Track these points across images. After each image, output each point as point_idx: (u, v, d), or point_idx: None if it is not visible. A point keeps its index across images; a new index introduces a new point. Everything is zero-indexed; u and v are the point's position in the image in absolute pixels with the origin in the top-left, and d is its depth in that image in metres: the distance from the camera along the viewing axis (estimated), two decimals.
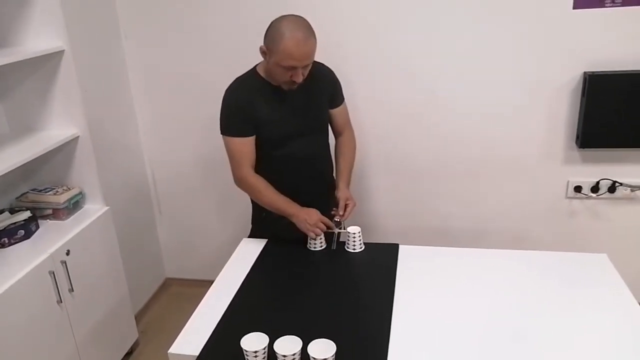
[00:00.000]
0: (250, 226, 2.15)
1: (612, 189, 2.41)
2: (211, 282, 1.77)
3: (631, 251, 2.49)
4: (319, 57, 1.84)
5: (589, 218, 2.50)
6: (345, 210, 1.94)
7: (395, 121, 2.50)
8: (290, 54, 1.69)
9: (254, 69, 1.91)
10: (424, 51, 2.36)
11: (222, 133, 1.90)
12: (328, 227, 1.89)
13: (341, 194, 1.98)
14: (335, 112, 2.04)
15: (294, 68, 1.73)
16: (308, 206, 1.92)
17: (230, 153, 1.91)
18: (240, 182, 1.93)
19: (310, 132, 1.96)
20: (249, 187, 1.93)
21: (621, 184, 2.39)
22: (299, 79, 1.76)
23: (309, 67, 1.79)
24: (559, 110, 2.34)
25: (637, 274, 2.21)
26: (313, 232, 1.87)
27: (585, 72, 2.25)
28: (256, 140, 1.89)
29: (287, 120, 1.89)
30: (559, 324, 1.46)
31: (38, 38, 2.05)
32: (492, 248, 1.86)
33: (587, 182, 2.43)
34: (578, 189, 2.45)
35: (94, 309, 2.19)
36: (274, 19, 1.75)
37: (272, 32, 1.72)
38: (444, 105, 2.43)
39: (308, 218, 1.86)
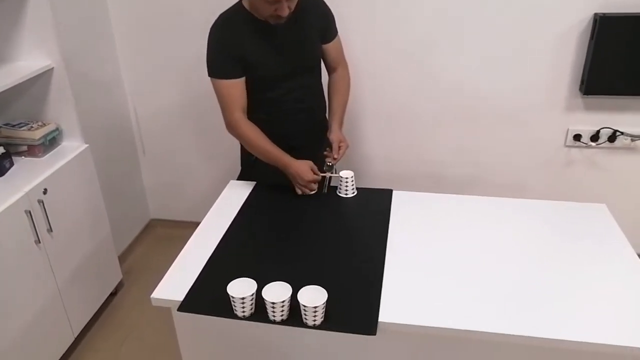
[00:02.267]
0: (238, 167, 2.06)
1: (612, 138, 2.34)
2: (197, 224, 1.71)
3: (629, 202, 2.45)
4: None
5: (587, 167, 2.44)
6: (337, 152, 1.86)
7: (391, 63, 2.37)
8: None
9: (239, 3, 1.76)
10: None
11: (209, 75, 1.77)
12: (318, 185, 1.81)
13: (334, 135, 1.88)
14: (328, 46, 1.91)
15: (277, 1, 1.58)
16: (300, 150, 1.84)
17: (219, 97, 1.78)
18: (231, 128, 1.82)
19: (302, 70, 1.84)
20: (240, 135, 1.83)
21: (622, 133, 2.32)
22: (285, 12, 1.62)
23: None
24: (565, 54, 2.23)
25: (635, 224, 2.19)
26: (301, 190, 1.80)
27: (596, 14, 2.12)
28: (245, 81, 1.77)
29: (276, 58, 1.76)
30: (555, 273, 1.43)
31: None
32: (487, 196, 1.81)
33: (587, 130, 2.36)
34: (577, 137, 2.37)
35: (75, 249, 2.13)
36: None
37: None
38: (442, 48, 2.30)
39: (301, 174, 1.77)
